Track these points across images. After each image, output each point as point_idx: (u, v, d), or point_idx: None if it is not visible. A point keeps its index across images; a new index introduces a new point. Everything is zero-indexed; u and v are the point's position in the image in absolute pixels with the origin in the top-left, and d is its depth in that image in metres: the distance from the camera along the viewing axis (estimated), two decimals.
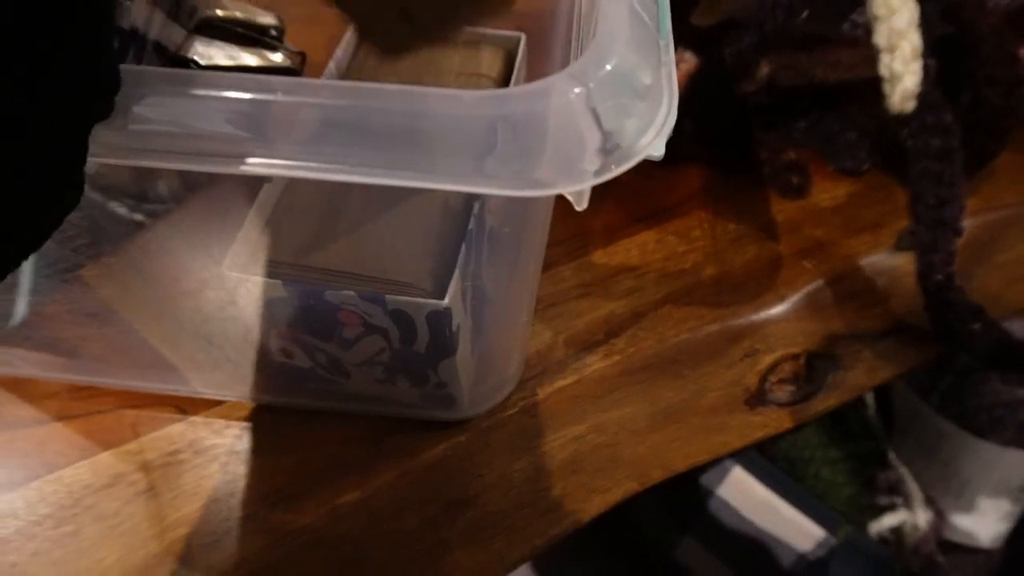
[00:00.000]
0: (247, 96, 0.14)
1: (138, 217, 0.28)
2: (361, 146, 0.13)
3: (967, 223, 0.41)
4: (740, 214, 0.40)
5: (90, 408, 0.31)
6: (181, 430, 0.31)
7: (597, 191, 0.17)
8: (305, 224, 0.26)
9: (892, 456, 0.57)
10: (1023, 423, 0.53)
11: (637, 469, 0.32)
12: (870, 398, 0.59)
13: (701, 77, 0.38)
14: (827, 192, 0.42)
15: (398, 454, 0.31)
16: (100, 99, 0.15)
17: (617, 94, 0.14)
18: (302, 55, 0.32)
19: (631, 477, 0.32)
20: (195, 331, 0.30)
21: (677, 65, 0.39)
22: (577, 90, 0.13)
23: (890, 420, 0.60)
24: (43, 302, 0.28)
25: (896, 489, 0.53)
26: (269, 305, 0.25)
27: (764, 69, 0.41)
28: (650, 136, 0.15)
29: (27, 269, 0.27)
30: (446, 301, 0.23)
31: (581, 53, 0.15)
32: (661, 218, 0.39)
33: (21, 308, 0.28)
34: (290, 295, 0.24)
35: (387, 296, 0.23)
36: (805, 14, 0.31)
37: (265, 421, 0.31)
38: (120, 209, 0.28)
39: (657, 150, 0.15)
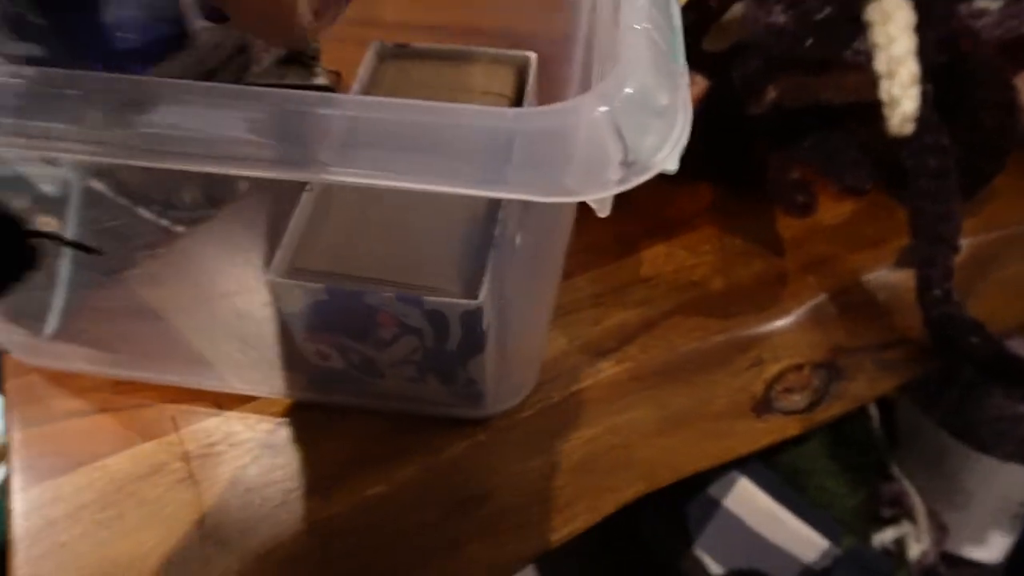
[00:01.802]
0: (301, 109, 0.16)
1: (164, 223, 0.30)
2: (414, 154, 0.15)
3: (968, 242, 0.43)
4: (748, 229, 0.42)
5: (132, 402, 0.33)
6: (217, 423, 0.33)
7: (613, 205, 0.19)
8: (342, 232, 0.28)
9: (896, 469, 0.58)
10: None
11: (647, 471, 0.34)
12: (874, 410, 0.60)
13: (712, 99, 0.40)
14: (831, 210, 0.43)
15: (421, 450, 0.32)
16: None
17: (637, 113, 0.16)
18: (337, 74, 0.34)
19: (641, 478, 0.34)
20: (233, 332, 0.32)
21: (689, 87, 0.41)
22: (603, 109, 0.15)
23: (894, 433, 0.61)
24: (87, 302, 0.30)
25: (899, 501, 0.54)
26: (309, 309, 0.27)
27: (771, 92, 0.43)
28: (666, 151, 0.16)
29: (61, 287, 0.29)
30: (479, 300, 0.25)
31: (604, 76, 0.16)
32: (672, 232, 0.41)
33: (53, 321, 0.30)
34: (331, 299, 0.26)
35: (424, 297, 0.25)
36: (809, 42, 0.33)
37: (296, 417, 0.33)
38: (148, 215, 0.30)
39: (672, 164, 0.17)
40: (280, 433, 0.32)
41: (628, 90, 0.16)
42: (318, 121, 0.16)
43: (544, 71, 0.37)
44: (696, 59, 0.41)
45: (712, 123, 0.40)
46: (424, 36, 0.38)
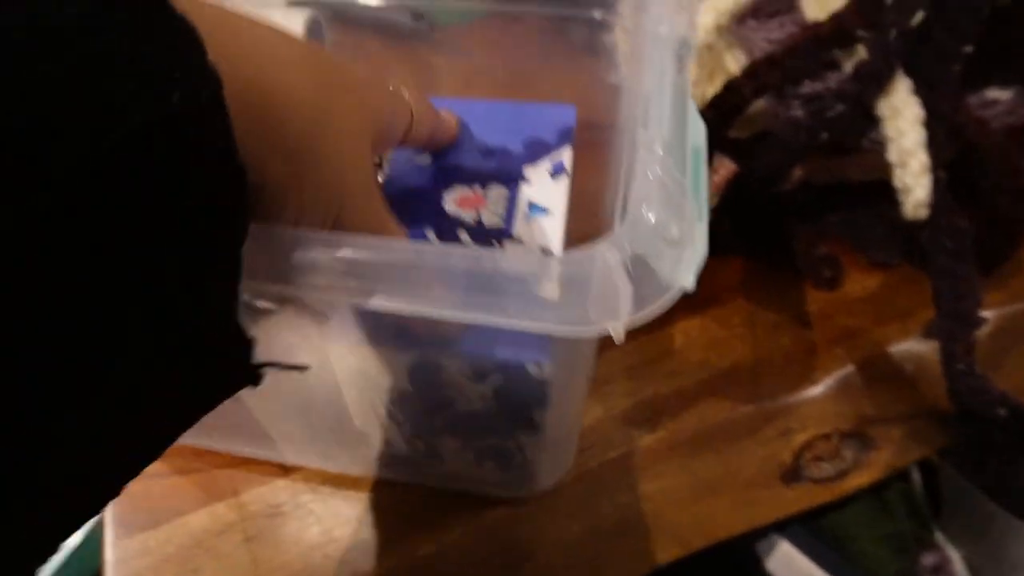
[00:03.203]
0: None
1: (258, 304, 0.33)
2: (455, 290, 0.19)
3: (994, 313, 0.44)
4: (777, 303, 0.44)
5: (208, 464, 0.37)
6: (283, 486, 0.36)
7: None
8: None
9: (939, 535, 0.58)
10: None
11: (680, 535, 0.36)
12: (916, 476, 0.60)
13: (739, 181, 0.42)
14: (859, 283, 0.45)
15: (467, 515, 0.35)
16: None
17: (648, 251, 0.19)
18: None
19: (675, 543, 0.36)
20: (299, 414, 0.35)
21: (717, 171, 0.44)
22: (615, 257, 0.18)
23: (937, 499, 0.61)
24: None
25: (942, 569, 0.54)
26: (371, 374, 0.30)
27: (798, 172, 0.46)
28: (680, 275, 0.19)
29: None
30: (548, 371, 0.27)
31: (623, 214, 0.20)
32: (703, 306, 0.44)
33: None
34: (403, 372, 0.29)
35: (493, 367, 0.28)
36: (824, 135, 0.36)
37: (355, 483, 0.36)
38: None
39: (687, 283, 0.20)
40: (339, 497, 0.35)
41: (638, 237, 0.19)
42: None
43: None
44: (724, 145, 0.44)
45: (741, 202, 0.43)
46: None
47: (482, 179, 0.33)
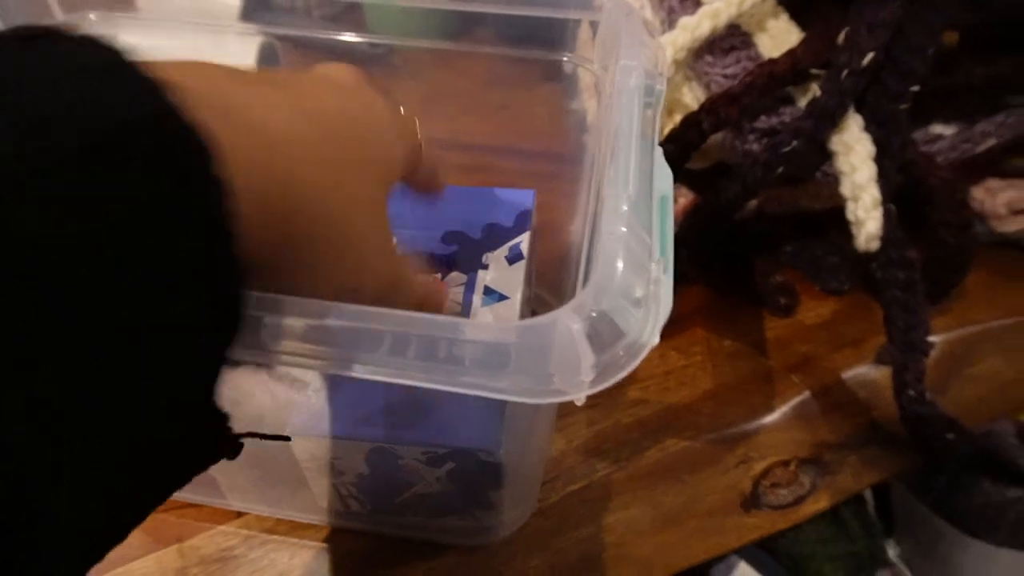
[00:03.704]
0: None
1: None
2: (410, 358, 0.19)
3: (942, 339, 0.46)
4: (735, 331, 0.45)
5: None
6: (233, 531, 0.35)
7: None
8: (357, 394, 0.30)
9: (892, 554, 0.59)
10: (1014, 523, 0.55)
11: (642, 568, 0.36)
12: (869, 497, 0.62)
13: (696, 211, 0.43)
14: (813, 310, 0.46)
15: (426, 554, 0.34)
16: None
17: (613, 313, 0.19)
18: None
19: (637, 574, 0.35)
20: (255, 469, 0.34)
21: (676, 200, 0.44)
22: (576, 325, 0.18)
23: (890, 518, 0.62)
24: None
25: None
26: (334, 464, 0.29)
27: (753, 202, 0.47)
28: (646, 335, 0.19)
29: None
30: (500, 457, 0.27)
31: (586, 275, 0.20)
32: (662, 335, 0.44)
33: None
34: (360, 455, 0.28)
35: (446, 453, 0.27)
36: (780, 169, 0.36)
37: (308, 529, 0.35)
38: None
39: (653, 339, 0.20)
40: (292, 542, 0.34)
41: (601, 304, 0.19)
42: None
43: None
44: (682, 175, 0.44)
45: (699, 232, 0.44)
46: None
47: (442, 265, 0.33)
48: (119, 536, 0.17)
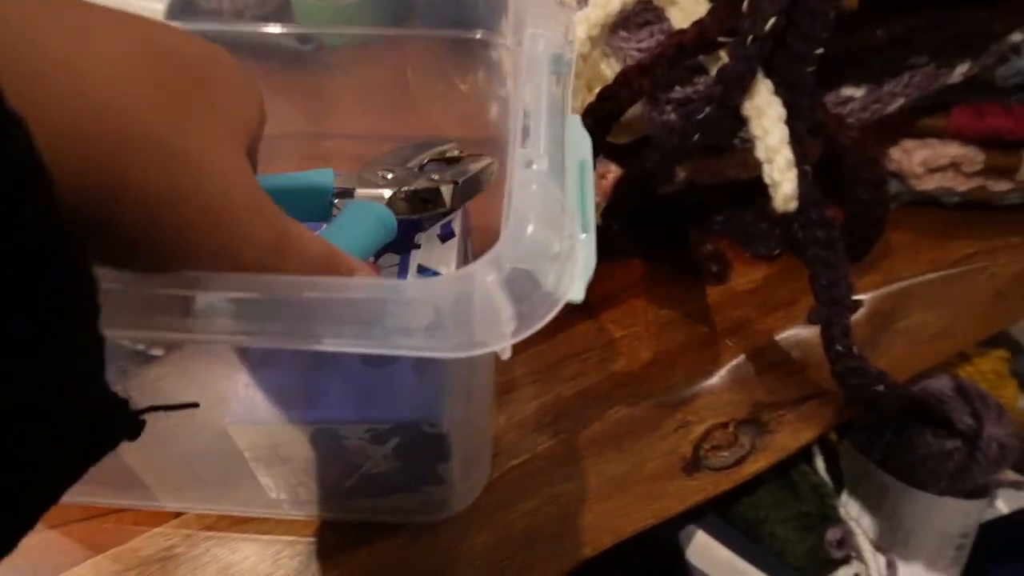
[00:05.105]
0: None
1: (140, 347, 0.31)
2: (333, 324, 0.19)
3: (869, 296, 0.47)
4: (671, 301, 0.46)
5: (91, 512, 0.35)
6: (174, 529, 0.34)
7: None
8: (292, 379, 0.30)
9: (843, 511, 0.61)
10: (953, 472, 0.57)
11: (589, 535, 0.36)
12: (819, 458, 0.63)
13: (624, 185, 0.44)
14: (745, 276, 0.47)
15: (372, 536, 0.34)
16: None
17: (531, 266, 0.19)
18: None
19: (584, 544, 0.36)
20: (189, 464, 0.33)
21: (604, 176, 0.45)
22: (492, 277, 0.18)
23: (839, 477, 0.64)
24: None
25: (845, 542, 0.56)
26: (278, 451, 0.29)
27: (682, 173, 0.48)
28: (563, 288, 0.20)
29: None
30: (444, 427, 0.27)
31: (503, 230, 0.20)
32: (600, 308, 0.45)
33: None
34: (303, 440, 0.28)
35: (389, 429, 0.27)
36: (696, 136, 0.37)
37: (252, 521, 0.35)
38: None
39: (576, 295, 0.20)
40: (235, 535, 0.34)
41: (517, 253, 0.19)
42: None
43: None
44: (608, 150, 0.45)
45: (629, 206, 0.44)
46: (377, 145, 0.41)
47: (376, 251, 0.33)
48: (26, 522, 0.16)
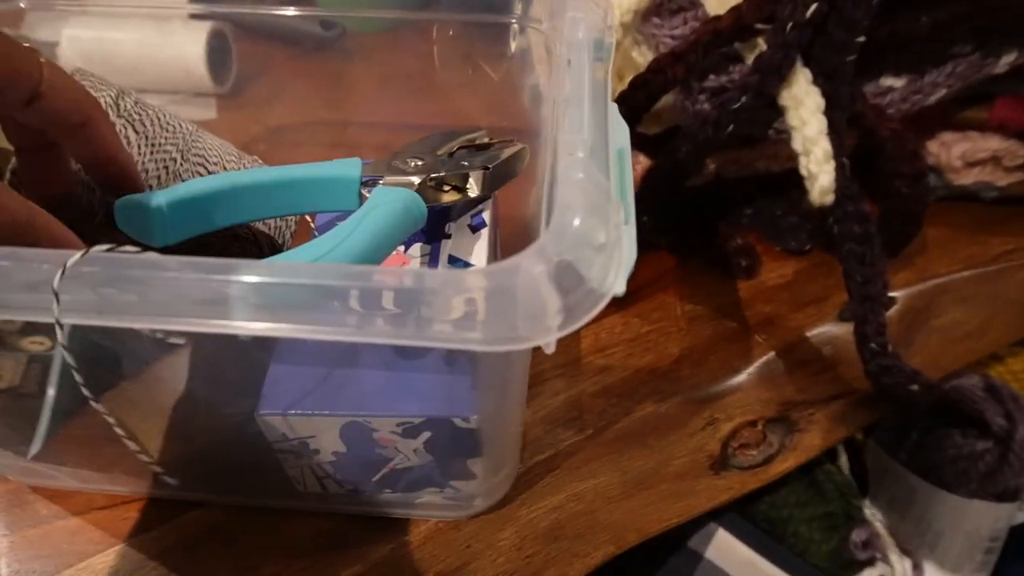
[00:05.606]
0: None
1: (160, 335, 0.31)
2: (377, 317, 0.18)
3: (903, 293, 0.46)
4: (697, 295, 0.45)
5: (115, 500, 0.35)
6: (197, 517, 0.34)
7: None
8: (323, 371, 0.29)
9: (868, 512, 0.60)
10: (984, 474, 0.56)
11: (613, 533, 0.35)
12: (843, 456, 0.62)
13: (653, 176, 0.43)
14: (775, 271, 0.46)
15: (393, 531, 0.34)
16: None
17: (576, 258, 0.18)
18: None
19: (609, 541, 0.35)
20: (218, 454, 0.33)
21: (633, 166, 0.44)
22: (539, 268, 0.18)
23: (864, 476, 0.63)
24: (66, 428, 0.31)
25: (871, 544, 0.55)
26: (308, 444, 0.29)
27: (711, 165, 0.47)
28: (609, 281, 0.19)
29: (46, 409, 0.30)
30: (477, 422, 0.27)
31: (547, 222, 0.19)
32: (626, 302, 0.44)
33: (37, 444, 0.31)
34: (334, 432, 0.28)
35: (421, 423, 0.27)
36: (731, 127, 0.36)
37: (272, 513, 0.34)
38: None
39: (619, 288, 0.19)
40: (258, 525, 0.34)
41: (564, 244, 0.18)
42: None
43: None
44: (637, 140, 0.44)
45: (657, 195, 0.43)
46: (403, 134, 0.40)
47: (405, 239, 0.32)
48: None
